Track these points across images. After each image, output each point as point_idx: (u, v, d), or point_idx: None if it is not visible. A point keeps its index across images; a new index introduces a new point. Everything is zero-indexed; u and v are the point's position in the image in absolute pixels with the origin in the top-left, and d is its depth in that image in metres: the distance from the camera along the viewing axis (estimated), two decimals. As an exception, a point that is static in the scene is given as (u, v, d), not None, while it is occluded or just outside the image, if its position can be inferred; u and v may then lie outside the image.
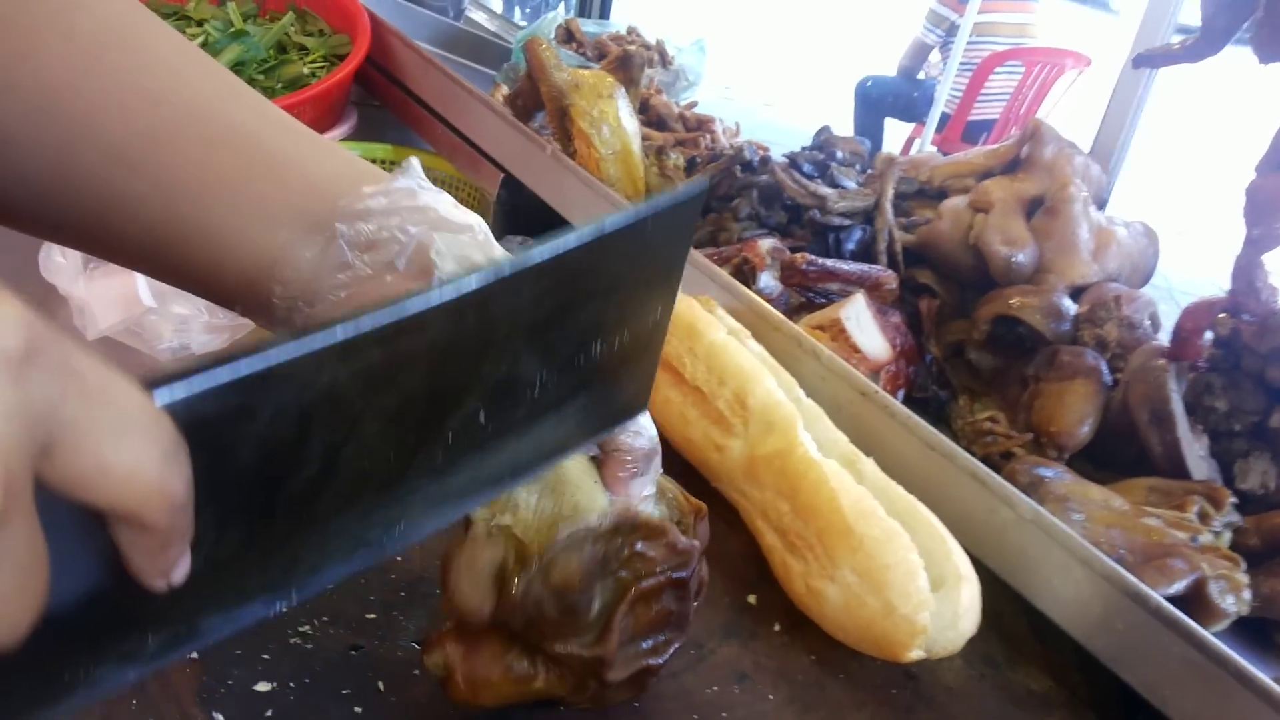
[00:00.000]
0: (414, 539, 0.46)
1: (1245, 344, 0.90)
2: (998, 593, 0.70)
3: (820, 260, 1.01)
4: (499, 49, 1.78)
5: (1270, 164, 0.82)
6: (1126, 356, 0.97)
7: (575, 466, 0.54)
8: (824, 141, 1.25)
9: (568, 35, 1.73)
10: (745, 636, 0.69)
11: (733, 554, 0.76)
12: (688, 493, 0.59)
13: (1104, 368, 0.96)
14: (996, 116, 4.07)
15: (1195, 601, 0.75)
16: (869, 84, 4.49)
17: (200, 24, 1.45)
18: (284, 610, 0.42)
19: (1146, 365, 0.93)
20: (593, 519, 0.52)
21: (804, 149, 1.24)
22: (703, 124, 1.37)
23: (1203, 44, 0.87)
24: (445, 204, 0.51)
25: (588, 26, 1.82)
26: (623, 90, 1.16)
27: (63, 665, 0.35)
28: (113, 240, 0.50)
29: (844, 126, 1.27)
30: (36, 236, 0.49)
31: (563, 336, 0.45)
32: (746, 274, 1.00)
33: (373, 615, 0.63)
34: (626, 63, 1.26)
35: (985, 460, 0.76)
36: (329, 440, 0.37)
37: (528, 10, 4.73)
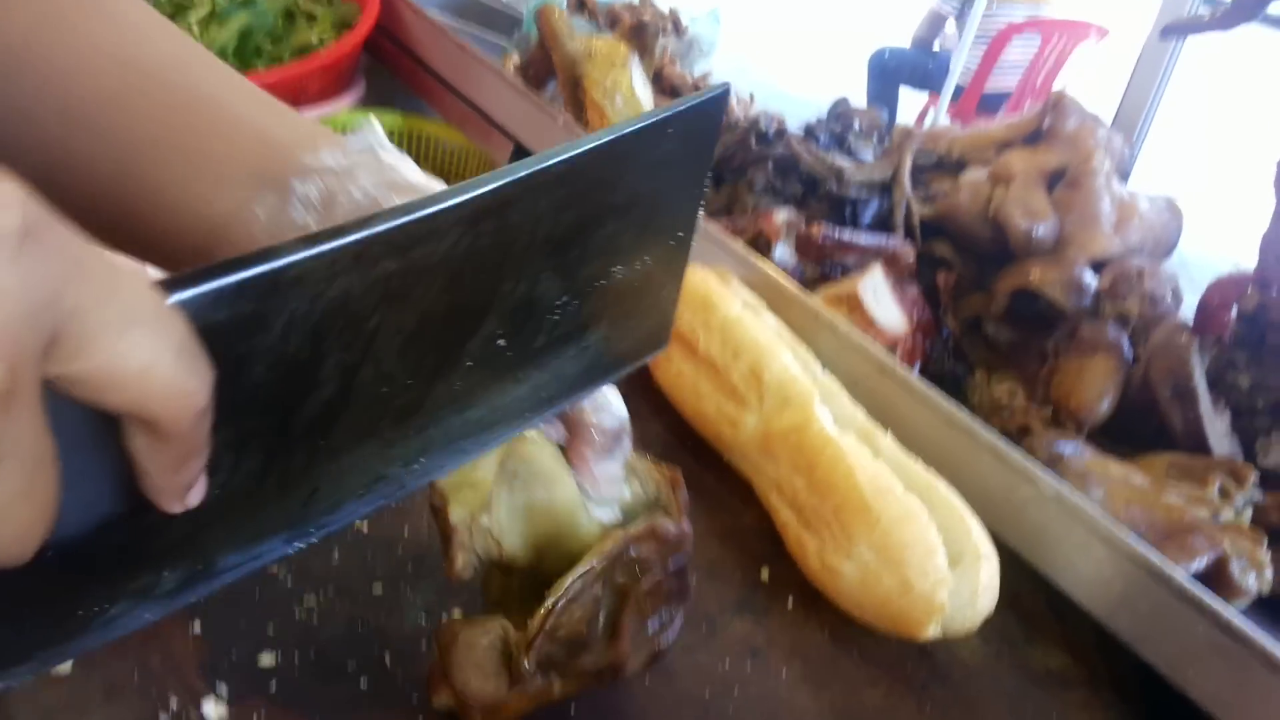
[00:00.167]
0: (433, 475, 0.45)
1: (1271, 320, 0.88)
2: (1015, 570, 0.68)
3: (837, 232, 0.99)
4: (510, 17, 1.75)
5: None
6: (1148, 331, 0.95)
7: (544, 454, 0.53)
8: (841, 113, 1.23)
9: (580, 3, 1.70)
10: (758, 612, 0.68)
11: (746, 529, 0.75)
12: (656, 461, 0.57)
13: (1125, 342, 0.94)
14: (1012, 88, 4.02)
15: (1216, 579, 0.74)
16: (884, 55, 4.45)
17: (208, -9, 1.43)
18: (301, 548, 0.40)
19: (1169, 340, 0.92)
20: (590, 563, 0.50)
21: (820, 120, 1.22)
22: (717, 94, 1.35)
23: (1235, 12, 0.85)
24: (406, 166, 0.49)
25: (600, -5, 1.79)
26: (636, 60, 1.14)
27: (76, 600, 0.34)
28: (60, 204, 0.48)
29: (858, 98, 1.25)
30: None
31: (582, 256, 0.43)
32: (761, 246, 0.98)
33: (379, 588, 0.62)
34: (640, 32, 1.24)
35: (1003, 435, 0.75)
36: (345, 359, 0.36)
37: (540, -20, 4.68)
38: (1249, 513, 0.81)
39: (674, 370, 0.81)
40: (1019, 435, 0.89)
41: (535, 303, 0.42)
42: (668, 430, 0.84)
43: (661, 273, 0.48)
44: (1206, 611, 0.62)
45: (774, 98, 1.40)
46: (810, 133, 1.17)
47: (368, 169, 0.47)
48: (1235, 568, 0.74)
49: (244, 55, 1.38)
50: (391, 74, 1.64)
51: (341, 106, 1.47)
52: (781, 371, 0.74)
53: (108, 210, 0.48)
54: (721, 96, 0.44)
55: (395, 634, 0.60)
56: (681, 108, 0.42)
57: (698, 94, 0.43)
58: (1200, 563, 0.73)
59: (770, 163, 1.14)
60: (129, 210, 0.47)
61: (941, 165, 1.17)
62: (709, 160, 0.47)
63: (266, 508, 0.38)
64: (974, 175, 1.11)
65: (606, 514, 0.54)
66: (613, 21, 1.50)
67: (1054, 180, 1.09)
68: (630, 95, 1.10)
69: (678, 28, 1.63)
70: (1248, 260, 0.92)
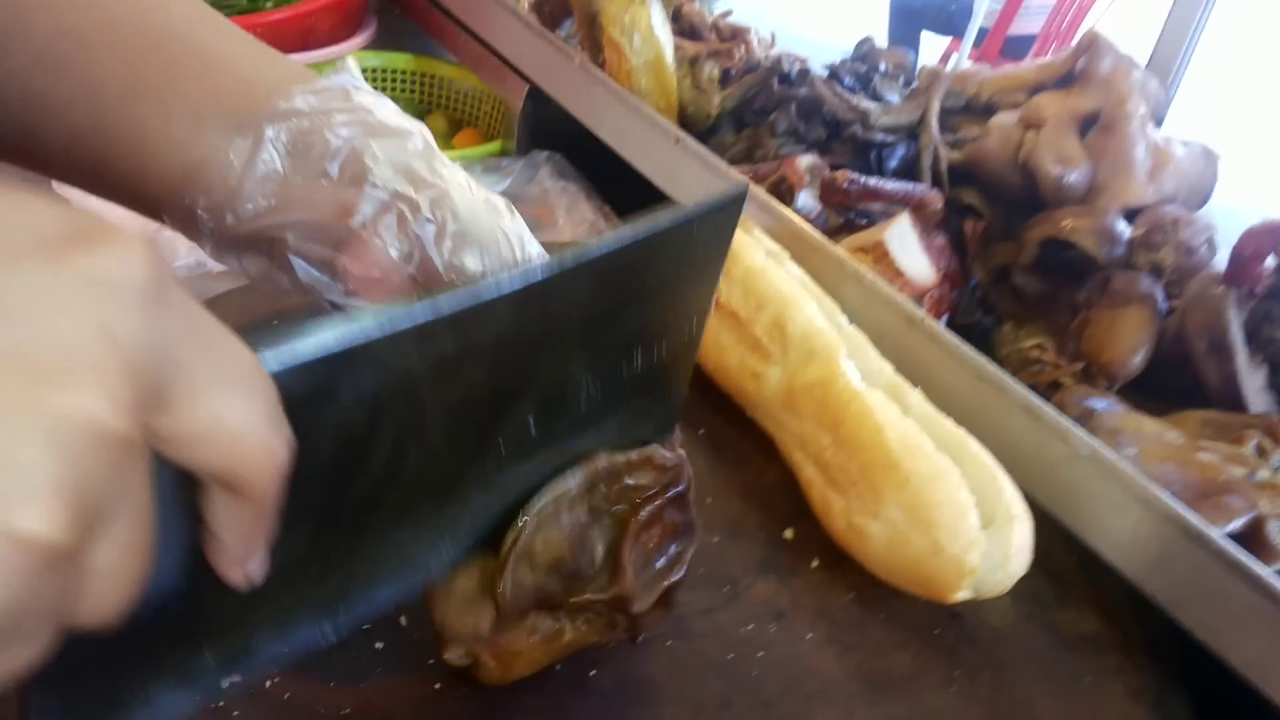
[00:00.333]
0: (453, 560, 0.47)
1: (1312, 271, 0.85)
2: (1046, 530, 0.66)
3: (862, 178, 0.96)
4: (524, -46, 1.71)
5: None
6: (1183, 283, 0.92)
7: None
8: (866, 53, 1.19)
9: (596, -60, 1.65)
10: (782, 573, 0.66)
11: (769, 486, 0.73)
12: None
13: (1159, 294, 0.91)
14: (1038, 31, 3.93)
15: (1252, 540, 0.71)
16: (905, -4, 4.35)
17: (213, -75, 1.39)
18: (331, 637, 0.42)
19: (1205, 292, 0.89)
20: (565, 484, 0.48)
21: (844, 61, 1.18)
22: (737, 34, 1.31)
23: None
24: (384, 108, 0.48)
25: (617, -69, 1.74)
26: (655, -4, 1.10)
27: (121, 681, 0.34)
28: (39, 149, 0.48)
29: (880, 42, 1.21)
30: None
31: (610, 339, 0.45)
32: (784, 193, 0.95)
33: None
34: (659, -33, 1.19)
35: (1032, 390, 0.72)
36: (397, 436, 0.37)
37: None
38: (1287, 471, 0.79)
39: (695, 322, 0.79)
40: (1048, 391, 0.86)
41: (566, 385, 0.45)
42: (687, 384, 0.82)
43: (675, 360, 0.51)
44: (1246, 574, 0.60)
45: (793, 41, 1.36)
46: (834, 74, 1.13)
47: (341, 112, 0.47)
48: (1273, 528, 0.72)
49: (251, -7, 1.34)
50: (403, 14, 1.60)
51: (352, 47, 1.43)
52: (806, 323, 0.72)
53: (89, 156, 0.47)
54: (740, 195, 0.47)
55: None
56: (707, 205, 0.45)
57: (720, 193, 0.45)
58: (1237, 523, 0.71)
59: (793, 105, 1.10)
60: (108, 155, 0.47)
61: (970, 109, 1.13)
62: (725, 254, 0.49)
63: (307, 588, 0.39)
64: (1004, 119, 1.07)
65: None
66: (630, -42, 1.45)
67: (1087, 125, 1.05)
68: (649, 34, 1.06)
69: (697, -35, 1.58)
70: (1285, 210, 0.89)
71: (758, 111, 1.14)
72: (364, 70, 1.53)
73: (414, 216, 0.47)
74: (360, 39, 1.45)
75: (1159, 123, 1.11)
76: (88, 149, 0.47)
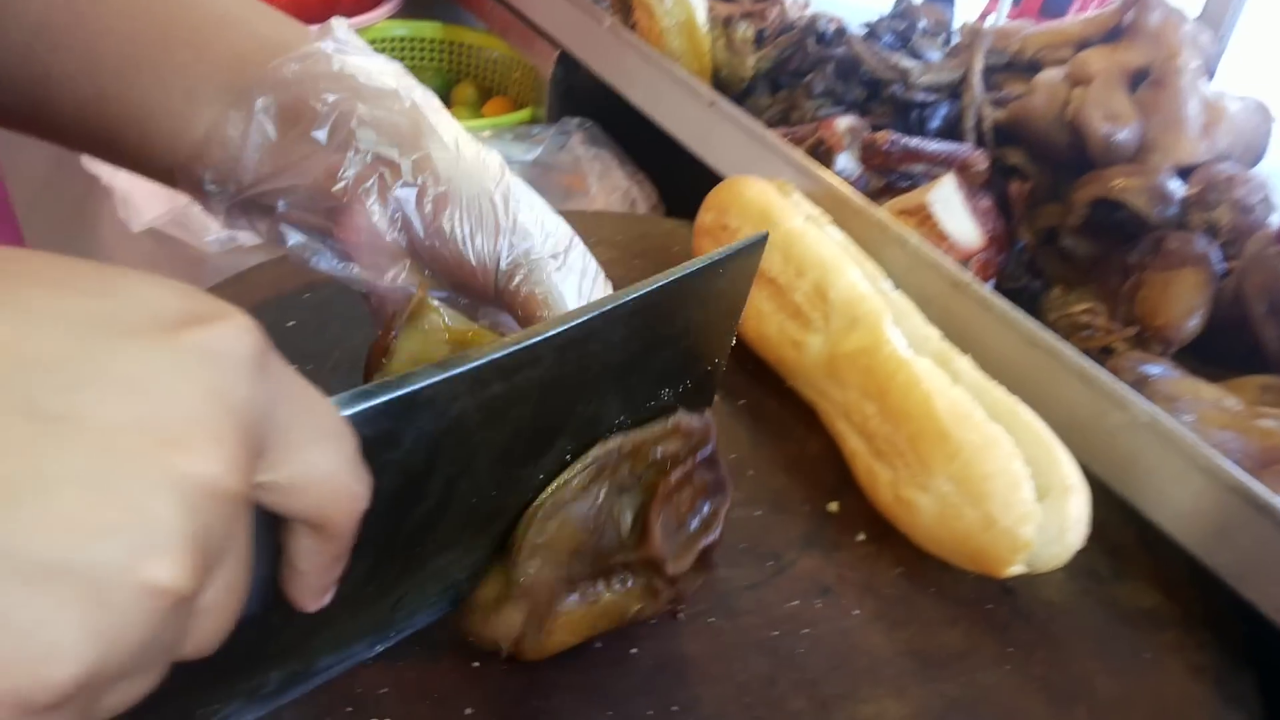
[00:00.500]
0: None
1: (1379, 228, 0.81)
2: (1103, 501, 0.64)
3: (903, 139, 0.93)
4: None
5: None
6: (1239, 243, 0.89)
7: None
8: (905, 10, 1.15)
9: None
10: (827, 547, 0.64)
11: (812, 458, 0.71)
12: None
13: (1215, 255, 0.88)
14: (1076, -12, 3.84)
15: (1317, 510, 0.69)
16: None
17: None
18: (380, 652, 0.45)
19: (1263, 252, 0.85)
20: (563, 478, 0.47)
21: (882, 19, 1.15)
22: (771, -7, 1.27)
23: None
24: (371, 68, 0.48)
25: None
26: (687, -45, 1.07)
27: (199, 703, 0.38)
28: (50, 122, 0.49)
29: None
30: None
31: (641, 380, 0.48)
32: (823, 155, 0.93)
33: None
34: (690, -74, 1.16)
35: (1083, 355, 0.69)
36: (450, 473, 0.40)
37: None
38: (1351, 438, 0.76)
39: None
40: (1100, 357, 0.84)
41: (599, 422, 0.47)
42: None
43: (699, 392, 0.52)
44: (1317, 547, 0.57)
45: (828, 4, 1.32)
46: (872, 32, 1.10)
47: (328, 78, 0.47)
48: (1339, 497, 0.69)
49: (275, -39, 1.32)
50: (429, -20, 1.57)
51: (380, 16, 1.41)
52: (849, 289, 0.69)
53: (97, 127, 0.48)
54: (760, 241, 0.50)
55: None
56: (730, 251, 0.48)
57: (742, 240, 0.48)
58: (1301, 493, 0.68)
59: (830, 65, 1.07)
60: (114, 127, 0.48)
61: (1014, 66, 1.09)
62: (745, 298, 0.52)
63: (363, 612, 0.43)
64: (1049, 76, 1.03)
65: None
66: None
67: (1136, 80, 1.02)
68: (681, -6, 1.04)
69: (728, -76, 1.54)
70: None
71: (793, 73, 1.11)
72: (391, 40, 1.51)
73: (394, 182, 0.47)
74: (387, 8, 1.43)
75: (1211, 77, 1.07)
76: (95, 121, 0.48)
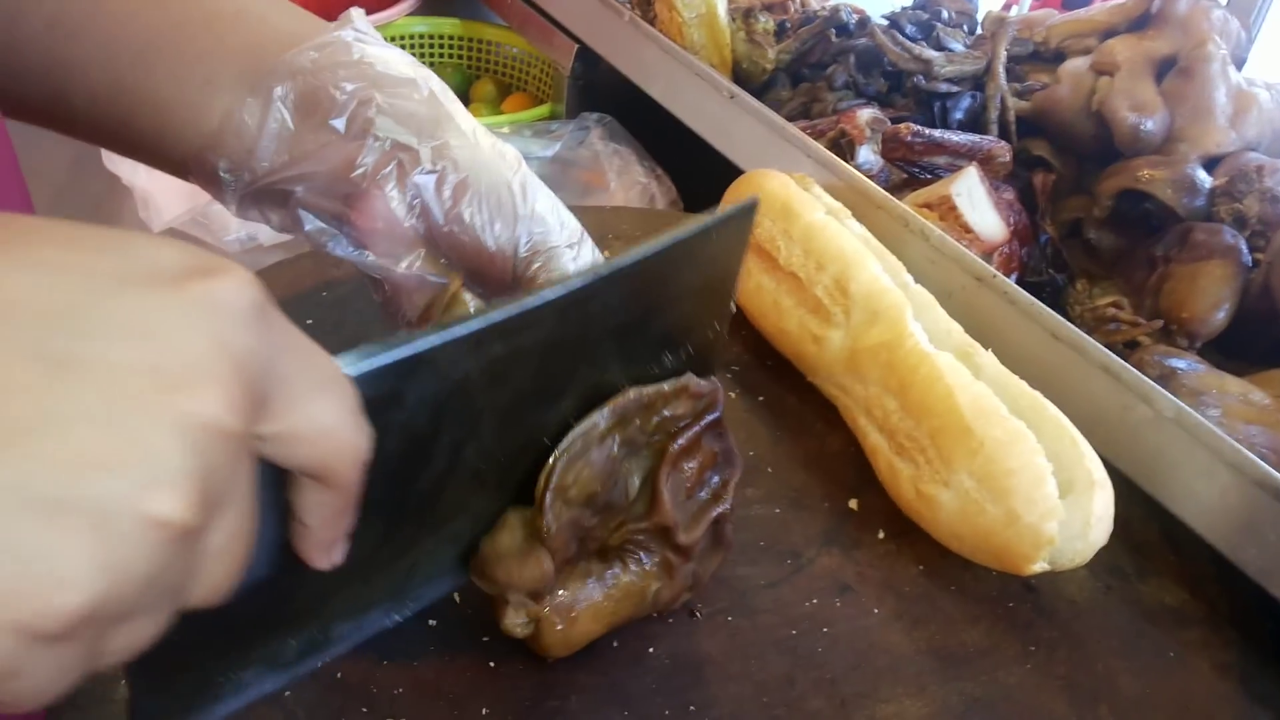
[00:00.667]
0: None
1: None
2: (1127, 497, 0.63)
3: (926, 131, 0.92)
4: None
5: None
6: (1268, 234, 0.87)
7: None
8: (927, 0, 1.14)
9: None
10: (847, 545, 0.64)
11: (832, 455, 0.70)
12: None
13: (1243, 246, 0.86)
14: (1102, -23, 3.79)
15: (1348, 506, 0.67)
16: (963, -54, 4.22)
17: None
18: (399, 621, 0.46)
19: (1293, 243, 0.84)
20: (591, 421, 0.47)
21: (905, 9, 1.13)
22: (792, -14, 1.26)
23: None
24: (388, 58, 0.49)
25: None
26: (706, -53, 1.06)
27: (216, 665, 0.38)
28: (64, 112, 0.49)
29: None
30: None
31: (641, 343, 0.48)
32: (844, 148, 0.92)
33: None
34: (709, -82, 1.15)
35: (1108, 350, 0.68)
36: (456, 435, 0.41)
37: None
38: (1383, 432, 0.74)
39: (753, 284, 0.76)
40: (1125, 351, 0.82)
41: (602, 385, 0.47)
42: (746, 348, 0.79)
43: (701, 359, 0.52)
44: (1346, 544, 0.56)
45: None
46: (894, 23, 1.09)
47: (346, 67, 0.47)
48: (1370, 493, 0.68)
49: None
50: (449, -24, 1.57)
51: (399, 13, 1.41)
52: (870, 283, 0.68)
53: (111, 118, 0.48)
54: (750, 208, 0.51)
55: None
56: (723, 216, 0.49)
57: (733, 206, 0.49)
58: (1331, 488, 0.67)
59: (852, 56, 1.06)
60: (128, 118, 0.48)
61: (1038, 56, 1.08)
62: (740, 262, 0.53)
63: (376, 577, 0.43)
64: (1074, 66, 1.02)
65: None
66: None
67: (1163, 69, 1.00)
68: (700, -13, 1.03)
69: (748, -84, 1.53)
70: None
71: (815, 65, 1.10)
72: (411, 36, 1.51)
73: (413, 168, 0.48)
74: (407, 4, 1.43)
75: (1240, 65, 1.06)
76: (109, 111, 0.48)
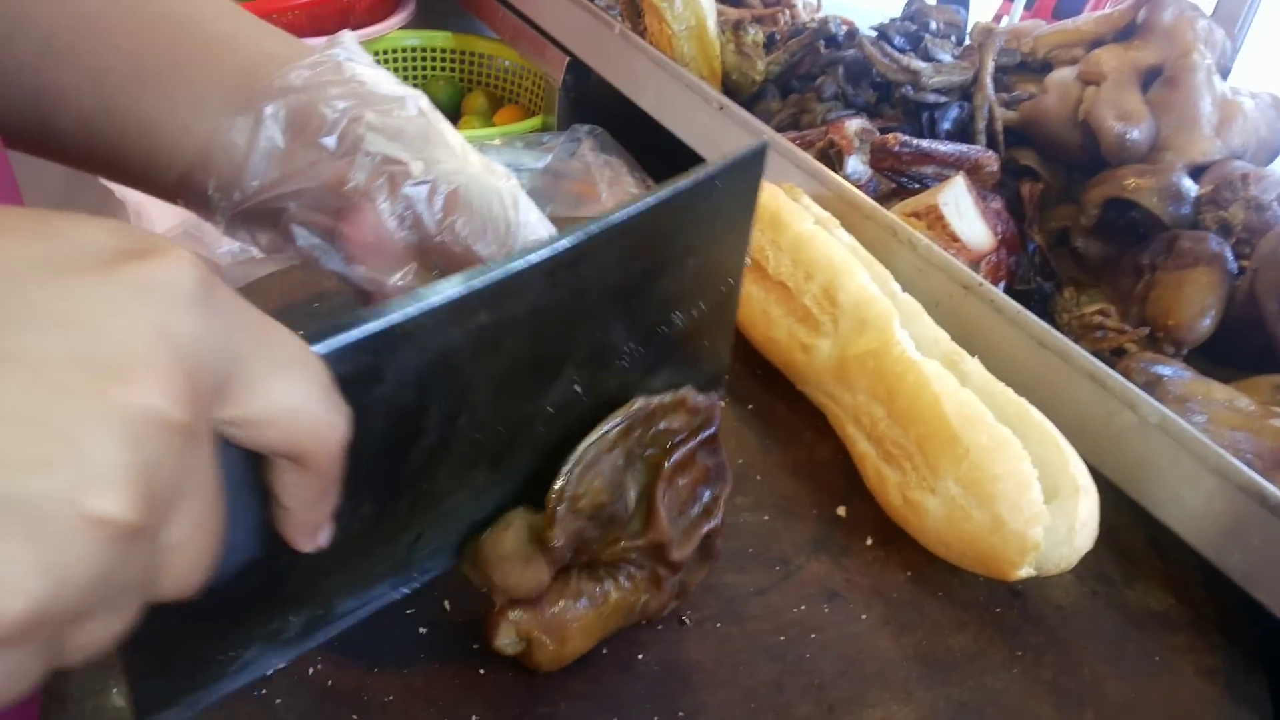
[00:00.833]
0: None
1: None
2: (1112, 504, 0.63)
3: (914, 141, 0.93)
4: (563, -75, 1.68)
5: None
6: (1253, 242, 0.88)
7: None
8: (916, 11, 1.15)
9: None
10: (835, 552, 0.64)
11: (821, 462, 0.71)
12: None
13: (1228, 254, 0.87)
14: (1093, -13, 3.81)
15: (1333, 511, 0.68)
16: (954, -43, 4.24)
17: (250, -94, 1.38)
18: (407, 594, 0.45)
19: (1277, 250, 0.84)
20: (603, 429, 0.47)
21: (894, 20, 1.14)
22: (782, -2, 1.27)
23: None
24: (379, 78, 0.49)
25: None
26: (695, -40, 1.07)
27: (216, 644, 0.38)
28: (54, 139, 0.49)
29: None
30: None
31: (646, 304, 0.47)
32: (833, 158, 0.92)
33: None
34: (699, -69, 1.16)
35: (1095, 357, 0.69)
36: (445, 408, 0.40)
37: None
38: (1368, 438, 0.75)
39: (742, 293, 0.76)
40: (1112, 358, 0.83)
41: (607, 350, 0.46)
42: (735, 357, 0.79)
43: (714, 320, 0.52)
44: (1329, 548, 0.57)
45: (840, 8, 1.32)
46: (883, 34, 1.10)
47: (336, 85, 0.48)
48: (1355, 498, 0.68)
49: (288, -27, 1.34)
50: (441, -11, 1.58)
51: (391, 27, 1.42)
52: (858, 292, 0.69)
53: (100, 143, 0.48)
54: (760, 151, 0.48)
55: (453, 579, 0.57)
56: (726, 163, 0.46)
57: (740, 150, 0.47)
58: (1316, 493, 0.68)
59: (841, 67, 1.07)
60: (118, 142, 0.48)
61: (1026, 66, 1.09)
62: (752, 211, 0.51)
63: (376, 552, 0.42)
64: (1061, 75, 1.03)
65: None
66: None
67: (1149, 79, 1.01)
68: (690, -1, 1.04)
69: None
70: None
71: (804, 76, 1.11)
72: (403, 50, 1.52)
73: (405, 180, 0.48)
74: (399, 18, 1.44)
75: (1225, 74, 1.07)
76: (99, 136, 0.48)
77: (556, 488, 0.46)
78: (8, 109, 0.48)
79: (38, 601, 0.23)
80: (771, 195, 0.78)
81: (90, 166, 0.52)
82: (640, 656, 0.55)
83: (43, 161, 0.54)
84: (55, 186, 1.18)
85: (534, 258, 0.39)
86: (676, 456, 0.49)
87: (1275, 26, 1.20)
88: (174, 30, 0.48)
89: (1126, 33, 1.05)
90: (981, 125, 1.02)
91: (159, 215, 1.06)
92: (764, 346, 0.77)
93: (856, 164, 0.92)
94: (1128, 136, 0.95)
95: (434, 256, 0.50)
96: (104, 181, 1.12)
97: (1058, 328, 0.90)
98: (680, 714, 0.53)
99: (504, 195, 0.50)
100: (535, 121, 1.35)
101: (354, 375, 0.33)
